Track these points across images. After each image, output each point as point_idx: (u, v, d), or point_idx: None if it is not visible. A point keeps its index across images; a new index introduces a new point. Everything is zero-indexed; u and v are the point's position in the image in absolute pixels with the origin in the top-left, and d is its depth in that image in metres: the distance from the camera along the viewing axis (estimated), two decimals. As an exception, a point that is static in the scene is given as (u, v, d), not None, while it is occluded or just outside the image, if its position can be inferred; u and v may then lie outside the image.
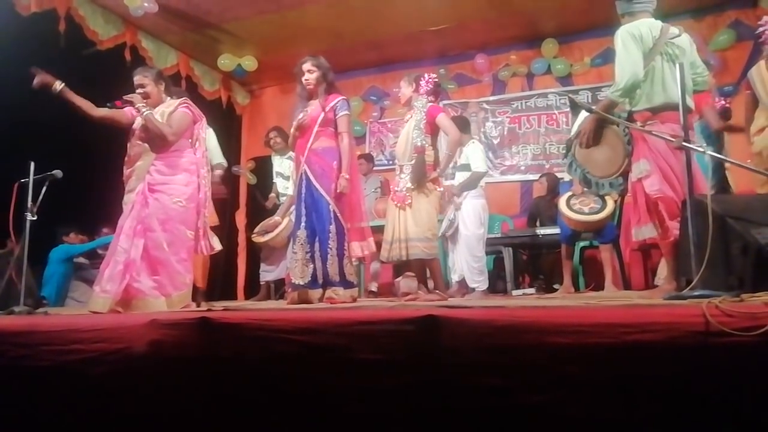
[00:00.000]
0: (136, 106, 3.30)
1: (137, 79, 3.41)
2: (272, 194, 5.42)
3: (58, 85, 3.17)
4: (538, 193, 5.90)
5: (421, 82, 3.69)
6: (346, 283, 3.44)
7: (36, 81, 3.15)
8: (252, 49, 6.40)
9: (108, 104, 3.33)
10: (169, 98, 3.45)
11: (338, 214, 3.44)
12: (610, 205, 4.08)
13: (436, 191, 3.60)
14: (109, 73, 5.16)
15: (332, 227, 3.40)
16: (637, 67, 2.82)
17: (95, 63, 5.25)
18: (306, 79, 3.54)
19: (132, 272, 3.12)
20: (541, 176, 5.76)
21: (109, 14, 5.33)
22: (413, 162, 3.56)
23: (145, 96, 3.34)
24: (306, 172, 3.49)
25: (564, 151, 3.08)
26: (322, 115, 3.50)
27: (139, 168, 3.32)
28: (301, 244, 3.43)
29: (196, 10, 5.50)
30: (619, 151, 2.86)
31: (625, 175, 2.90)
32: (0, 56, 4.37)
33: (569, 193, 4.23)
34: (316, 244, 3.40)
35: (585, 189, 2.97)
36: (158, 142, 3.32)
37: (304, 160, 3.50)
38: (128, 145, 3.41)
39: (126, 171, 3.39)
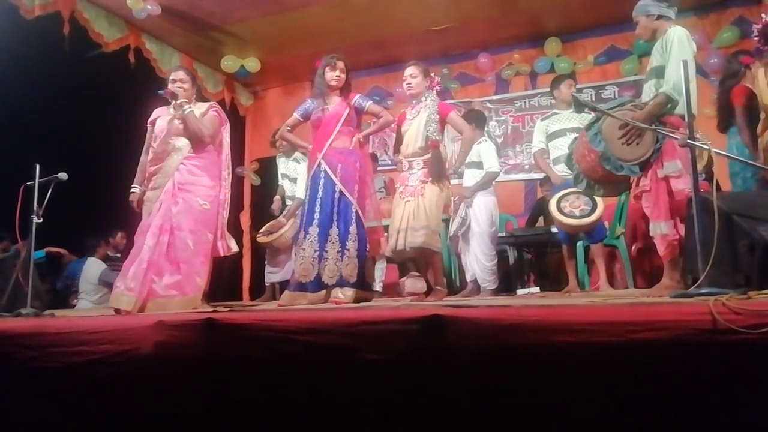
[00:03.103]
0: (179, 102, 3.35)
1: (178, 74, 3.47)
2: (277, 197, 5.41)
3: (186, 106, 3.34)
4: (540, 194, 5.88)
5: (435, 78, 3.70)
6: (362, 285, 3.40)
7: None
8: (255, 50, 6.41)
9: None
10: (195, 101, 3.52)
11: (361, 216, 3.44)
12: (601, 206, 4.01)
13: (448, 187, 3.57)
14: (114, 75, 5.20)
15: (353, 228, 3.39)
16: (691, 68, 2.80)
17: (100, 65, 5.27)
18: (338, 77, 3.57)
19: (152, 272, 3.14)
20: (542, 182, 5.72)
21: (113, 17, 5.34)
22: (429, 156, 3.47)
23: (183, 92, 3.41)
24: (326, 171, 3.47)
25: (590, 121, 3.02)
26: (347, 111, 3.54)
27: (168, 166, 3.36)
28: (311, 242, 3.37)
29: (199, 12, 5.52)
30: (646, 141, 2.84)
31: (641, 165, 2.88)
32: (5, 60, 4.39)
33: (559, 195, 4.19)
34: (327, 244, 3.35)
35: (604, 165, 2.88)
36: (194, 141, 3.39)
37: (321, 157, 3.49)
38: (153, 142, 3.43)
39: (151, 168, 3.41)
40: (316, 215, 3.41)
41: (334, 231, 3.37)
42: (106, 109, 5.17)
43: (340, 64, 3.58)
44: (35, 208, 3.19)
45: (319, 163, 3.49)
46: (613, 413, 1.50)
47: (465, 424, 1.60)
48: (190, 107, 3.36)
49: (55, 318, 2.94)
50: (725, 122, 3.85)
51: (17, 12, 4.55)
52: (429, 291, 3.66)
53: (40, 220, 3.21)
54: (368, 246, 3.49)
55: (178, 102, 3.35)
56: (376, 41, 6.18)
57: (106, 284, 5.69)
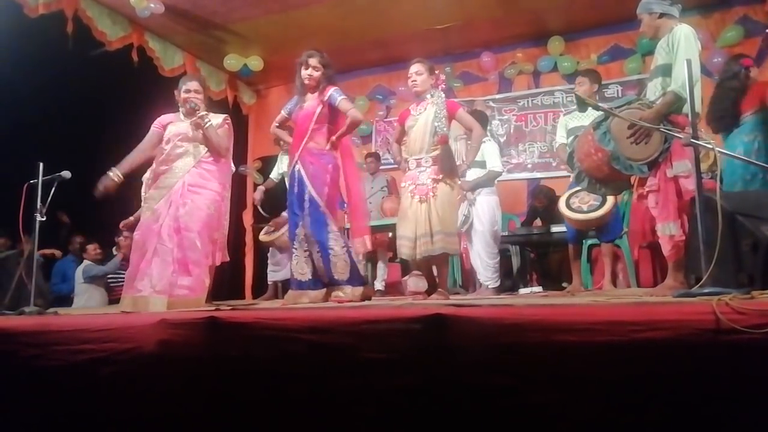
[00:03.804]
0: (200, 114, 3.38)
1: (192, 84, 3.50)
2: (261, 186, 5.37)
3: (207, 119, 3.38)
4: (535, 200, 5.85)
5: (440, 76, 3.67)
6: (355, 281, 3.38)
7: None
8: (258, 49, 6.41)
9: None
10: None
11: (330, 216, 3.36)
12: (610, 201, 4.02)
13: (458, 184, 3.55)
14: (117, 73, 5.21)
15: (329, 228, 3.35)
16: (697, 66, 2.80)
17: (103, 64, 5.28)
18: (309, 75, 3.46)
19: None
20: (536, 193, 5.66)
21: (116, 15, 5.36)
22: (439, 152, 3.45)
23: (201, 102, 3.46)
24: (300, 172, 3.43)
25: (597, 120, 2.99)
26: (319, 109, 3.43)
27: (178, 168, 3.38)
28: (300, 242, 3.40)
29: (202, 11, 5.52)
30: (654, 140, 2.83)
31: (650, 165, 2.87)
32: (8, 58, 4.40)
33: (569, 193, 4.18)
34: (315, 245, 3.35)
35: (614, 165, 2.85)
36: (211, 151, 3.47)
37: (297, 157, 3.44)
38: (165, 144, 3.43)
39: (160, 168, 3.42)
40: (297, 216, 3.42)
41: (311, 232, 3.35)
42: (109, 107, 5.18)
43: (313, 61, 3.47)
44: (38, 207, 3.19)
45: (296, 163, 3.46)
46: (616, 413, 1.49)
47: (467, 424, 1.60)
48: (209, 120, 3.39)
49: (59, 316, 2.96)
50: (725, 123, 3.79)
51: (21, 10, 4.56)
52: (432, 290, 3.66)
53: (44, 219, 3.21)
54: (352, 243, 3.48)
55: (200, 114, 3.38)
56: (378, 40, 6.18)
57: (91, 278, 5.71)
